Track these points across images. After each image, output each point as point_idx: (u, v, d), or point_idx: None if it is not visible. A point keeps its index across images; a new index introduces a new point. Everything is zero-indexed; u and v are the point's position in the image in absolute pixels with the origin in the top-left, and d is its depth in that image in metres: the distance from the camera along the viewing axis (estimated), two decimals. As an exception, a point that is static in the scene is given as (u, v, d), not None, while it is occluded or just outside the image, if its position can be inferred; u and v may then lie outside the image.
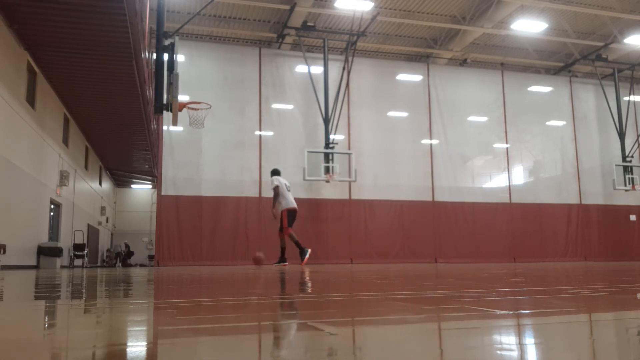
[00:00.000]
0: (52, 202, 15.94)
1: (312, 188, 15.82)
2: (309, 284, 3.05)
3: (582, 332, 1.11)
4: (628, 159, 18.23)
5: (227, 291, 2.47)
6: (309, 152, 15.02)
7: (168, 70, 9.72)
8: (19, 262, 12.46)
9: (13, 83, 11.57)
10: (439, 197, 16.98)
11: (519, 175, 18.54)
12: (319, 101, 15.59)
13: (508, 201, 17.80)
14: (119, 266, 25.34)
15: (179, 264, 14.27)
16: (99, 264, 25.55)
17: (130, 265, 27.29)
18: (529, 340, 0.99)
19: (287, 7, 15.41)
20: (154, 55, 10.38)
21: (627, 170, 18.00)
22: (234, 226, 15.12)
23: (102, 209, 26.66)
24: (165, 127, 15.14)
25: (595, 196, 18.67)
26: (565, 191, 18.44)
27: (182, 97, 10.77)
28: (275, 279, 3.76)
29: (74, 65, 12.76)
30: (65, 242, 17.16)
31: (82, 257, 18.62)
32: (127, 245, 30.15)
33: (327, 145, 15.32)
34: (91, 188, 23.05)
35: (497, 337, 1.02)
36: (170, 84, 9.43)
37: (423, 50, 18.52)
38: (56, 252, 14.57)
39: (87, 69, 12.94)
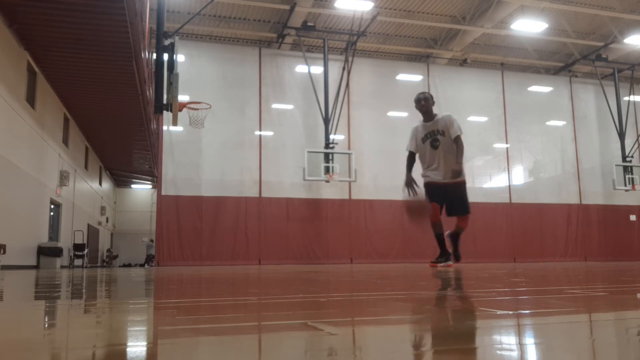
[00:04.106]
0: (52, 202, 15.94)
1: (312, 188, 15.82)
2: (310, 284, 3.05)
3: (582, 332, 1.11)
4: (628, 159, 18.24)
5: (227, 291, 2.46)
6: (309, 152, 15.03)
7: (168, 70, 9.72)
8: (19, 262, 12.46)
9: (13, 83, 11.57)
10: (439, 197, 16.96)
11: (519, 175, 18.53)
12: (319, 101, 15.60)
13: (508, 201, 17.80)
14: (152, 266, 25.97)
15: (179, 264, 14.27)
16: (99, 264, 25.56)
17: (130, 265, 27.37)
18: (529, 340, 0.99)
19: (287, 7, 15.41)
20: (154, 55, 10.38)
21: (627, 170, 18.00)
22: (234, 226, 15.12)
23: (102, 209, 26.67)
24: (165, 127, 15.14)
25: (595, 196, 18.67)
26: (565, 191, 18.43)
27: (182, 97, 10.77)
28: (274, 280, 3.76)
29: (74, 65, 12.77)
30: (65, 242, 17.16)
31: (82, 257, 18.62)
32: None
33: (327, 145, 15.32)
34: (91, 188, 23.05)
35: (497, 337, 1.02)
36: (170, 84, 9.43)
37: (423, 50, 18.52)
38: (56, 252, 14.57)
39: (87, 69, 12.94)
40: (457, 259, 6.68)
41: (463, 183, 6.13)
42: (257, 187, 15.55)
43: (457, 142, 6.01)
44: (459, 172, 5.98)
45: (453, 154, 6.05)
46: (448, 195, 6.08)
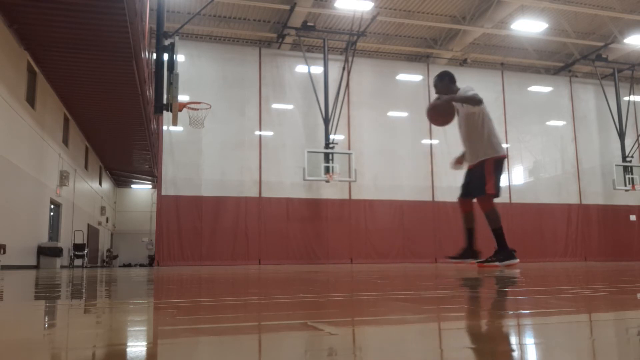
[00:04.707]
0: (52, 202, 15.94)
1: (312, 188, 15.83)
2: (310, 284, 3.05)
3: (582, 332, 1.11)
4: (628, 159, 18.24)
5: (227, 291, 2.46)
6: (309, 152, 15.03)
7: (168, 70, 9.73)
8: (19, 262, 12.46)
9: (13, 83, 11.57)
10: (439, 197, 16.98)
11: (519, 175, 18.54)
12: (319, 101, 15.60)
13: (508, 201, 17.79)
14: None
15: (179, 264, 14.28)
16: (98, 264, 25.56)
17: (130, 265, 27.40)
18: (529, 340, 0.99)
19: (287, 7, 15.41)
20: (154, 55, 10.38)
21: (627, 170, 18.01)
22: (234, 226, 15.13)
23: (102, 209, 26.66)
24: (165, 127, 15.15)
25: (595, 196, 18.67)
26: (565, 191, 18.44)
27: (182, 97, 10.77)
28: (274, 280, 3.76)
29: (74, 65, 12.77)
30: (65, 242, 17.16)
31: (82, 257, 18.62)
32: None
33: (327, 145, 15.33)
34: (91, 188, 23.05)
35: (497, 337, 1.02)
36: (170, 84, 9.44)
37: (423, 50, 18.52)
38: (56, 252, 14.57)
39: (87, 69, 12.95)
40: (499, 259, 5.55)
41: (486, 161, 5.28)
42: (257, 187, 15.55)
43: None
44: (446, 102, 5.42)
45: (475, 131, 5.39)
46: (472, 178, 5.42)
